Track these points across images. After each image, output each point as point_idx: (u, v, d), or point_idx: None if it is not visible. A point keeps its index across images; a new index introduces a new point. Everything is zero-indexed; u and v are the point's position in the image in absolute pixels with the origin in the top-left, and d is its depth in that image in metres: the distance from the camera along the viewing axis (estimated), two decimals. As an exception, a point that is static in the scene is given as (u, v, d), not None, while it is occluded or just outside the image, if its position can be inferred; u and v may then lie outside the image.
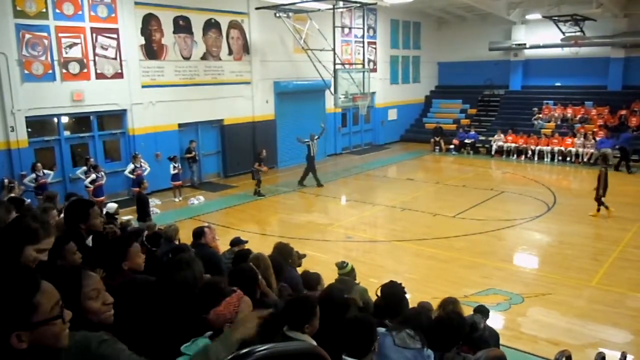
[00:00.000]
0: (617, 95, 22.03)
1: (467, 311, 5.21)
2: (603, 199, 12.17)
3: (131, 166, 13.54)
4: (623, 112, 20.93)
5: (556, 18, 20.55)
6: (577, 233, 11.40)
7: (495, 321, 6.62)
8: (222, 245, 7.16)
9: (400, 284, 4.23)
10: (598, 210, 12.33)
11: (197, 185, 16.37)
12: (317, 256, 9.13)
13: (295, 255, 5.69)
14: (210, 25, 16.65)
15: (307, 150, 16.24)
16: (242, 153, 17.70)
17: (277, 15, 17.89)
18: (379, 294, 4.10)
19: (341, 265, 5.69)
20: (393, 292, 4.10)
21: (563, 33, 21.06)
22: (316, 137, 16.44)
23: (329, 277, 5.45)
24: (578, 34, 20.83)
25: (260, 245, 5.53)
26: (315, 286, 5.11)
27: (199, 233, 6.05)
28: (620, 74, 22.27)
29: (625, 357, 5.13)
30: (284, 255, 5.29)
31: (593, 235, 11.21)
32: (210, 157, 17.65)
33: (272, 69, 18.60)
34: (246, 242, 6.48)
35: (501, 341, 5.07)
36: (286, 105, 19.40)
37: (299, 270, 5.61)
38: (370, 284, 6.16)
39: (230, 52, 17.32)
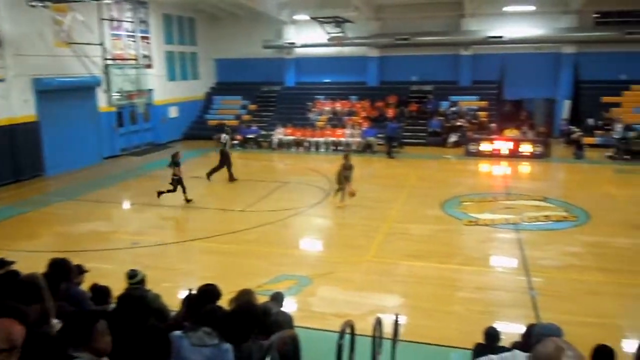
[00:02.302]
0: (376, 90, 25.01)
1: (266, 300, 5.38)
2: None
3: None
4: (380, 104, 23.85)
5: (321, 19, 22.35)
6: (351, 214, 12.63)
7: (288, 305, 6.97)
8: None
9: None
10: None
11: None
12: (103, 268, 8.42)
13: (75, 271, 5.14)
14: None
15: (223, 146, 15.92)
16: (-2, 161, 15.29)
17: (31, 4, 15.77)
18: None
19: (132, 274, 5.35)
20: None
21: (328, 33, 23.02)
22: (228, 129, 16.62)
23: (119, 288, 5.07)
24: (341, 34, 22.98)
25: (34, 264, 4.85)
26: (107, 299, 4.74)
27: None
28: (377, 71, 25.34)
29: (397, 318, 5.87)
30: (61, 272, 4.74)
31: (365, 216, 12.53)
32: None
33: (30, 65, 16.26)
34: (12, 262, 5.62)
35: (295, 323, 5.35)
36: (51, 105, 17.17)
37: (86, 285, 5.11)
38: (164, 289, 5.90)
39: (-27, 45, 14.77)
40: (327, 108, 24.41)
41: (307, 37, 24.90)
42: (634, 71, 22.11)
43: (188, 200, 13.39)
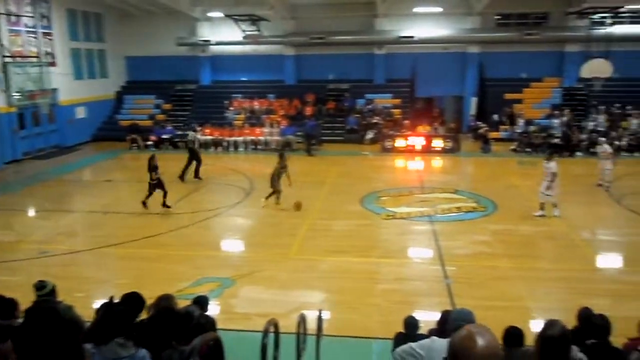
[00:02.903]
0: (293, 88, 25.09)
1: (187, 305, 5.23)
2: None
3: None
4: (299, 102, 23.97)
5: (236, 17, 22.07)
6: (273, 213, 12.60)
7: (211, 308, 6.84)
8: None
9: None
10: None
11: None
12: (8, 280, 7.85)
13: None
14: None
15: (192, 144, 15.81)
16: None
17: None
18: None
19: (40, 286, 5.01)
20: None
21: (243, 31, 22.78)
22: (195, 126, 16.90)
23: (27, 301, 4.72)
24: (256, 33, 22.83)
25: None
26: (13, 313, 4.41)
27: None
28: (294, 69, 25.44)
29: (321, 314, 5.94)
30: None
31: (287, 214, 12.54)
32: None
33: None
34: None
35: (219, 325, 5.26)
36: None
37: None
38: (77, 300, 5.61)
39: None
40: (245, 106, 24.17)
41: (223, 34, 24.48)
42: (533, 69, 23.79)
43: (167, 206, 12.68)
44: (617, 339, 4.50)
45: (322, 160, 19.26)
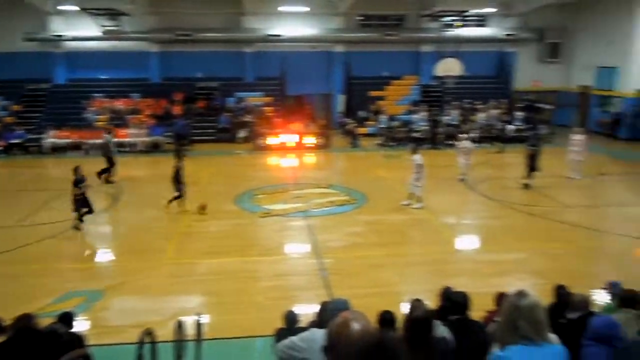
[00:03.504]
0: (159, 87, 24.08)
1: (52, 322, 4.80)
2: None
3: None
4: (165, 102, 23.04)
5: (92, 11, 20.61)
6: (145, 217, 12.02)
7: (80, 323, 6.36)
8: None
9: None
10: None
11: None
12: None
13: None
14: None
15: (107, 146, 15.54)
16: None
17: None
18: None
19: None
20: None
21: (102, 27, 21.35)
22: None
23: None
24: (116, 28, 21.52)
25: None
26: None
27: None
28: (159, 67, 24.41)
29: (200, 318, 5.80)
30: None
31: (160, 217, 12.03)
32: None
33: None
34: None
35: (90, 341, 4.91)
36: None
37: None
38: None
39: None
40: (107, 106, 22.65)
41: (79, 29, 22.73)
42: (393, 68, 25.33)
43: (81, 221, 10.90)
44: (478, 313, 4.98)
45: (194, 161, 18.71)
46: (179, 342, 5.07)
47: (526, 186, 14.20)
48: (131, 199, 13.60)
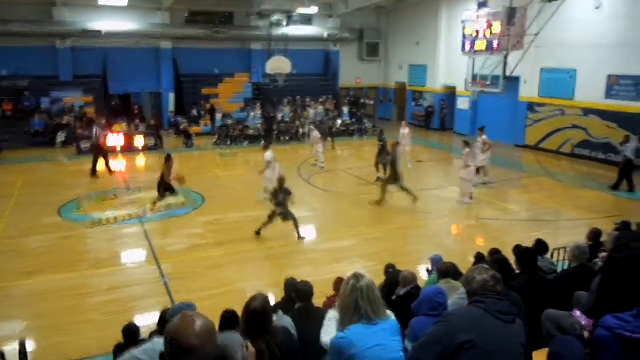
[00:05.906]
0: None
1: None
2: None
3: None
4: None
5: None
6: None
7: None
8: None
9: None
10: None
11: None
12: None
13: None
14: None
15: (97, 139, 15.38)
16: None
17: None
18: None
19: None
20: None
21: None
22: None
23: None
24: None
25: None
26: None
27: None
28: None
29: (24, 343, 5.21)
30: None
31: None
32: None
33: None
34: None
35: None
36: None
37: None
38: None
39: None
40: None
41: None
42: (225, 65, 25.14)
43: None
44: (320, 300, 5.25)
45: (4, 170, 16.59)
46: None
47: (379, 179, 14.61)
48: None
